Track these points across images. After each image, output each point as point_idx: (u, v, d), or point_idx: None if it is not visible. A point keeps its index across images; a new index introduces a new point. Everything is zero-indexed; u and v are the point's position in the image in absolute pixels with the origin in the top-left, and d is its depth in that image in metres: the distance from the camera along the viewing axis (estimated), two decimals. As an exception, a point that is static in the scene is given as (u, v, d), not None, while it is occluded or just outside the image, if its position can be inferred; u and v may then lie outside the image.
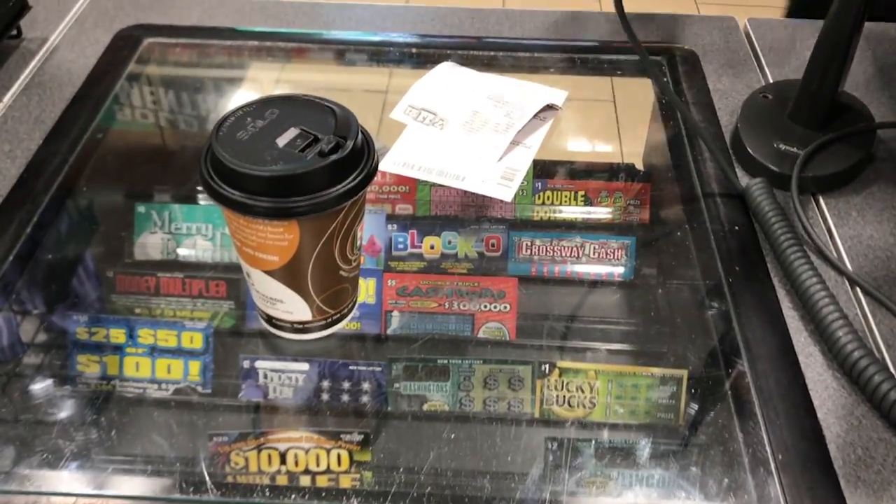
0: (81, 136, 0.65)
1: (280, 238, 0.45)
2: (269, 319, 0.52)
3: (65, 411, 0.55)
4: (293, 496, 0.45)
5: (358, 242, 0.49)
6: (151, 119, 0.80)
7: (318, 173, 0.43)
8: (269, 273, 0.47)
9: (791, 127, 0.64)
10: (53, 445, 0.48)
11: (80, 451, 0.48)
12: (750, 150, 0.63)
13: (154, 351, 0.60)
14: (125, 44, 0.76)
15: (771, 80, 0.73)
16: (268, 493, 0.45)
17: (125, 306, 0.64)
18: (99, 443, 0.50)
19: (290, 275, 0.47)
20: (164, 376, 0.60)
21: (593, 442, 0.51)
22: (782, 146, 0.63)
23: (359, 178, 0.44)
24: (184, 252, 0.69)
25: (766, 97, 0.67)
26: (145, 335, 0.60)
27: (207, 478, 0.47)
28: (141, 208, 0.69)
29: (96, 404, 0.55)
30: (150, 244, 0.69)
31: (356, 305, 0.55)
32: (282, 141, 0.44)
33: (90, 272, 0.66)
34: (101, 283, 0.66)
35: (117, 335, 0.60)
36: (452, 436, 0.53)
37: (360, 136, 0.45)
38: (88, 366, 0.60)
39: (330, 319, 0.51)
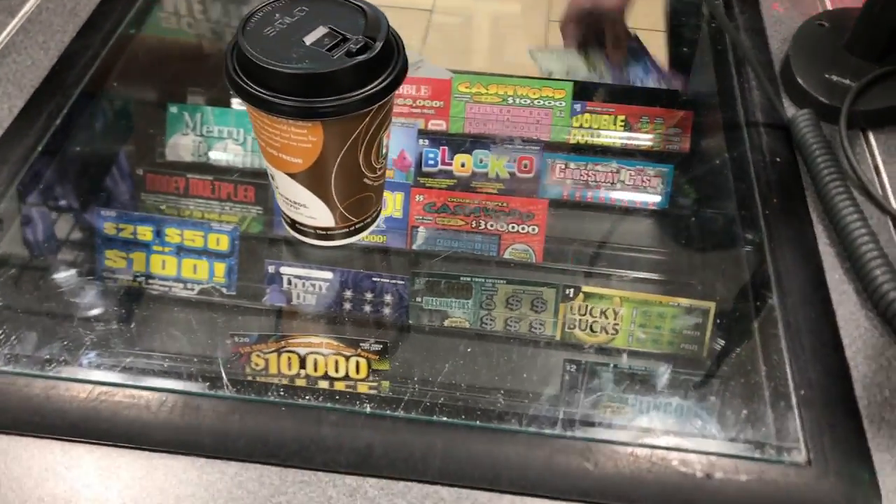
0: (114, 32, 0.64)
1: (304, 139, 0.44)
2: (293, 224, 0.51)
3: (90, 304, 0.56)
4: (307, 397, 0.45)
5: (384, 150, 0.48)
6: (186, 19, 0.79)
7: (345, 74, 0.42)
8: (292, 176, 0.46)
9: (846, 58, 0.61)
10: (74, 334, 0.49)
11: (101, 341, 0.49)
12: (799, 80, 0.61)
13: (180, 251, 0.60)
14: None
15: (829, 7, 0.69)
16: (282, 393, 0.45)
17: (153, 205, 0.65)
18: (120, 335, 0.50)
19: (313, 179, 0.46)
20: (190, 276, 0.60)
21: (612, 367, 0.50)
22: (834, 77, 0.60)
23: (386, 81, 0.43)
24: (214, 155, 0.69)
25: (823, 25, 0.64)
26: (172, 234, 0.60)
27: (224, 374, 0.47)
28: (173, 109, 0.69)
29: (121, 299, 0.55)
30: (181, 145, 0.69)
31: (380, 216, 0.54)
32: (309, 39, 0.43)
33: (119, 169, 0.66)
34: (130, 180, 0.66)
35: (144, 233, 0.60)
36: (469, 350, 0.53)
37: (389, 37, 0.44)
38: (115, 261, 0.60)
39: (353, 227, 0.51)
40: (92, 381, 0.45)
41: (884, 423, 0.43)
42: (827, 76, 0.60)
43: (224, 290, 0.60)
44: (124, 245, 0.60)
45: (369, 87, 0.42)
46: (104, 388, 0.44)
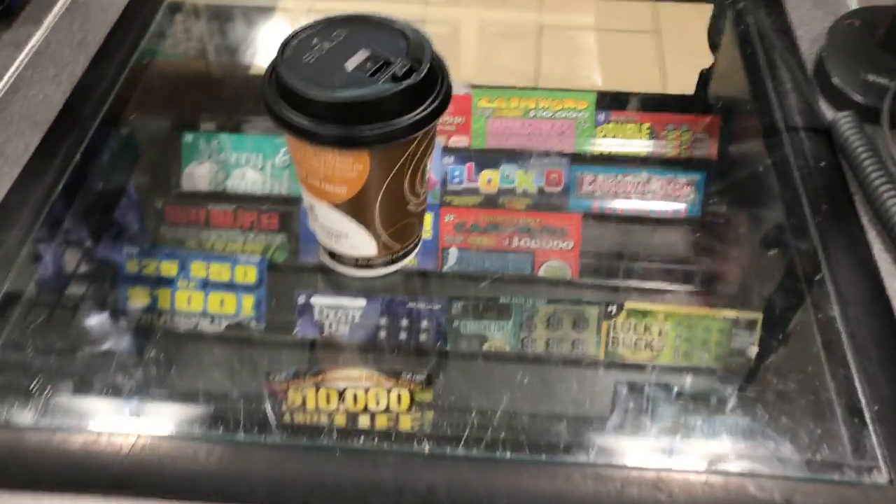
0: (127, 61, 0.62)
1: (349, 169, 0.42)
2: (332, 255, 0.49)
3: (115, 345, 0.54)
4: (362, 439, 0.43)
5: (427, 175, 0.46)
6: (197, 45, 0.77)
7: (392, 99, 0.40)
8: (335, 206, 0.45)
9: (881, 56, 0.60)
10: (109, 381, 0.47)
11: (138, 387, 0.47)
12: (836, 81, 0.59)
13: (207, 285, 0.58)
14: (168, -36, 0.73)
15: (856, 6, 0.68)
16: (335, 436, 0.43)
17: (175, 238, 0.63)
18: (155, 379, 0.48)
19: (357, 208, 0.44)
20: (217, 310, 0.58)
21: (670, 387, 0.49)
22: (871, 77, 0.59)
23: (433, 105, 0.41)
24: (233, 183, 0.67)
25: (854, 24, 0.63)
26: (197, 268, 0.58)
27: (272, 419, 0.45)
28: (188, 137, 0.67)
29: (149, 339, 0.53)
30: (197, 175, 0.67)
31: (421, 241, 0.53)
32: (350, 64, 0.41)
33: (140, 203, 0.64)
34: (151, 214, 0.64)
35: (169, 268, 0.58)
36: (516, 377, 0.51)
37: (433, 59, 0.42)
38: (140, 299, 0.58)
39: (395, 255, 0.49)
40: (133, 432, 0.42)
41: (961, 437, 0.42)
42: (863, 76, 0.59)
43: (254, 324, 0.58)
44: (148, 282, 0.58)
45: (416, 112, 0.41)
46: (147, 439, 0.42)
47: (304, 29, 0.43)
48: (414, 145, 0.42)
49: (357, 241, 0.47)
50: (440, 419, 0.46)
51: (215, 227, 0.64)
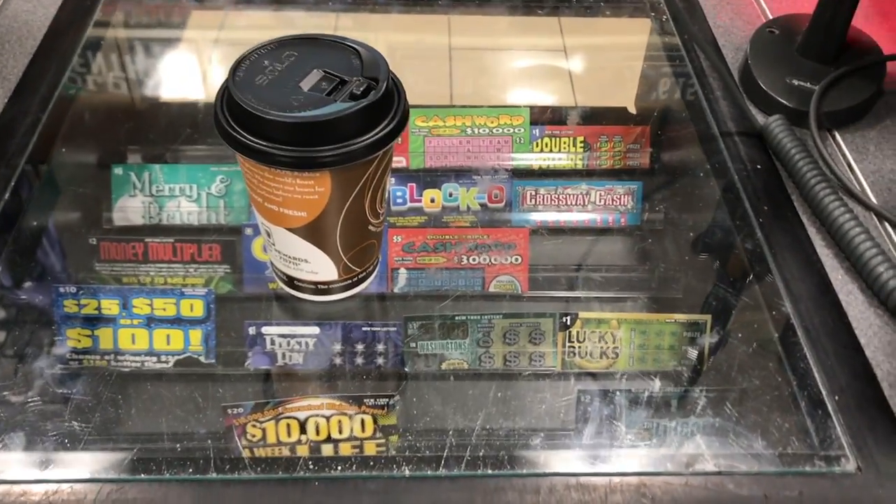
0: (51, 95, 0.59)
1: (309, 191, 0.41)
2: (290, 281, 0.48)
3: (62, 390, 0.51)
4: (338, 467, 0.42)
5: (386, 194, 0.46)
6: (119, 77, 0.74)
7: (352, 118, 0.39)
8: (293, 231, 0.43)
9: (802, 62, 0.63)
10: (63, 428, 0.44)
11: (97, 432, 0.44)
12: (763, 86, 0.61)
13: (151, 321, 0.56)
14: (86, -8, 0.70)
15: (770, 16, 0.71)
16: (311, 466, 0.42)
17: (112, 275, 0.60)
18: (114, 422, 0.46)
19: (317, 232, 0.43)
20: (163, 347, 0.56)
21: (638, 393, 0.49)
22: (795, 81, 0.61)
23: (393, 122, 0.41)
24: (168, 215, 0.64)
25: (773, 32, 0.65)
26: (140, 304, 0.56)
27: (243, 454, 0.43)
28: (118, 170, 0.64)
29: (98, 381, 0.51)
30: (129, 208, 0.65)
31: (379, 263, 0.52)
32: (305, 84, 0.40)
33: (72, 240, 0.61)
34: (84, 251, 0.61)
35: (109, 306, 0.56)
36: (483, 394, 0.51)
37: (390, 78, 0.41)
38: (79, 340, 0.55)
39: (356, 278, 0.48)
40: (94, 479, 0.40)
41: (918, 419, 0.44)
42: (788, 80, 0.62)
43: (203, 359, 0.56)
44: (87, 322, 0.56)
45: (378, 131, 0.40)
46: (113, 487, 0.39)
47: (254, 51, 0.42)
48: (374, 164, 0.42)
49: (317, 265, 0.46)
50: (415, 441, 0.45)
51: (154, 260, 0.61)
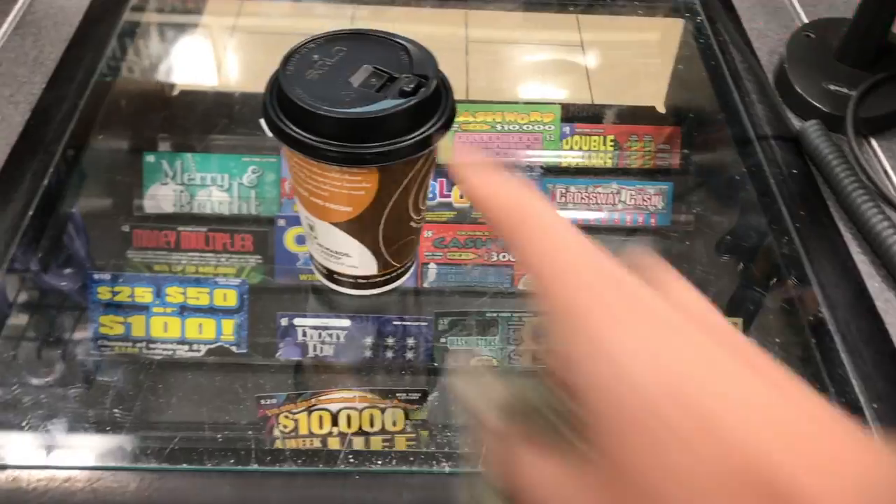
0: (88, 80, 0.59)
1: (356, 187, 0.41)
2: (330, 275, 0.48)
3: (97, 377, 0.51)
4: (378, 461, 0.42)
5: (428, 191, 0.46)
6: (154, 64, 0.74)
7: (402, 115, 0.39)
8: (337, 225, 0.43)
9: (838, 67, 0.62)
10: (100, 416, 0.45)
11: (136, 421, 0.44)
12: (799, 90, 0.61)
13: (184, 310, 0.56)
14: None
15: (805, 20, 0.70)
16: (352, 460, 0.42)
17: (145, 263, 0.60)
18: (153, 411, 0.46)
19: (361, 227, 0.43)
20: (195, 336, 0.56)
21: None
22: (832, 86, 0.61)
23: (441, 119, 0.41)
24: (200, 204, 0.65)
25: (809, 36, 0.65)
26: (174, 293, 0.56)
27: (284, 446, 0.43)
28: (150, 158, 0.64)
29: (132, 369, 0.51)
30: (160, 196, 0.65)
31: (416, 258, 0.52)
32: (355, 80, 0.40)
33: (107, 228, 0.61)
34: (117, 238, 0.61)
35: (143, 294, 0.56)
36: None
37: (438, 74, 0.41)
38: (112, 328, 0.55)
39: (394, 273, 0.48)
40: (136, 468, 0.40)
41: (955, 429, 0.44)
42: (824, 85, 0.61)
43: (235, 349, 0.56)
44: (121, 309, 0.56)
45: (426, 128, 0.40)
46: (152, 475, 0.40)
47: (304, 44, 0.42)
48: (421, 161, 0.42)
49: (358, 260, 0.46)
50: (449, 437, 0.45)
51: (186, 249, 0.61)
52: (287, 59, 0.41)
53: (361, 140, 0.39)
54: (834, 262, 0.51)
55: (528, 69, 0.90)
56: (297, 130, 0.39)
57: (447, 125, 0.41)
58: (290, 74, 0.40)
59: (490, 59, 0.95)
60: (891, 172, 0.58)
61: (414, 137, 0.40)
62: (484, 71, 0.89)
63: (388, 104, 0.39)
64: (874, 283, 0.51)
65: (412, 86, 0.40)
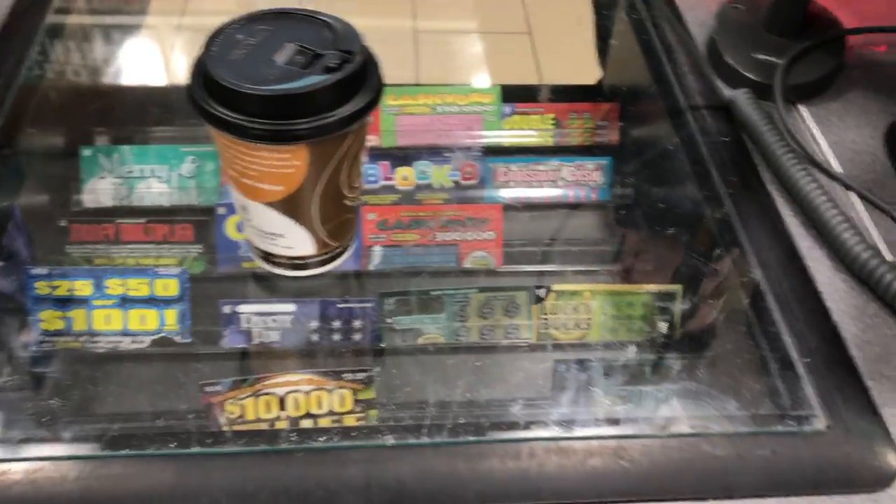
0: (13, 80, 0.58)
1: (286, 165, 0.41)
2: (266, 256, 0.48)
3: (35, 370, 0.51)
4: (321, 437, 0.42)
5: (361, 168, 0.46)
6: (81, 62, 0.73)
7: (328, 91, 0.39)
8: (270, 205, 0.43)
9: (767, 37, 0.64)
10: (43, 408, 0.44)
11: (78, 411, 0.44)
12: (729, 61, 0.62)
13: (125, 301, 0.55)
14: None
15: (733, -9, 0.72)
16: (293, 438, 0.42)
17: (84, 256, 0.60)
18: (95, 401, 0.46)
19: (294, 206, 0.43)
20: (138, 328, 0.55)
21: (614, 361, 0.50)
22: (760, 56, 0.62)
23: (369, 94, 0.41)
24: (139, 196, 0.64)
25: (737, 8, 0.66)
26: (114, 285, 0.56)
27: (226, 428, 0.43)
28: (86, 152, 0.64)
29: (78, 362, 0.50)
30: (99, 190, 0.64)
31: (356, 238, 0.52)
32: (280, 58, 0.40)
33: (42, 223, 0.60)
34: (54, 233, 0.60)
35: (83, 287, 0.55)
36: (458, 364, 0.51)
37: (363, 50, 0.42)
38: (53, 323, 0.55)
39: (333, 253, 0.48)
40: (76, 456, 0.40)
41: (883, 378, 0.45)
42: (753, 55, 0.63)
43: (178, 339, 0.56)
44: (61, 304, 0.55)
45: (353, 103, 0.40)
46: (93, 463, 0.39)
47: (227, 26, 0.42)
48: (350, 137, 0.42)
49: (294, 240, 0.46)
50: (397, 413, 0.46)
51: (126, 242, 0.61)
52: (211, 41, 0.41)
53: (287, 117, 0.39)
54: (766, 225, 0.52)
55: (475, 56, 0.90)
56: (222, 110, 0.39)
57: (375, 99, 0.41)
58: (213, 55, 0.40)
59: (440, 49, 0.95)
60: (818, 137, 0.59)
61: (341, 113, 0.40)
62: (434, 59, 0.90)
63: (312, 80, 0.39)
64: (805, 243, 0.52)
65: (337, 62, 0.40)
